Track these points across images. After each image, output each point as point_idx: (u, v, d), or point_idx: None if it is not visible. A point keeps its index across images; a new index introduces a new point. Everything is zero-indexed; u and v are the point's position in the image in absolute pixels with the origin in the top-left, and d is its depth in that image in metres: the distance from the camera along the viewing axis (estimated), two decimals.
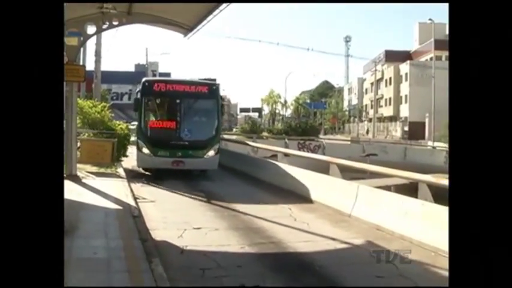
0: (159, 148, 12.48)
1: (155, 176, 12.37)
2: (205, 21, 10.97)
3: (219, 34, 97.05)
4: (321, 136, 40.15)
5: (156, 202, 9.41)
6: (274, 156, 15.78)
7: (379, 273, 5.32)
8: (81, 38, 11.16)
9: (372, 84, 63.64)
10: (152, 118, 13.14)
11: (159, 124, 12.91)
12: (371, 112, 61.30)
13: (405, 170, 9.67)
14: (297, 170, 11.29)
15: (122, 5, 10.72)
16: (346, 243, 6.72)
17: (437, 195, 7.47)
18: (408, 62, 55.10)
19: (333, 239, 6.81)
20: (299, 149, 23.37)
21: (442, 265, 5.35)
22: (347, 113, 77.38)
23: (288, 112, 76.85)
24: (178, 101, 12.74)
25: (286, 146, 22.40)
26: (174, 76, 36.16)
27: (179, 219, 7.83)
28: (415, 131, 47.19)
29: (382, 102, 60.62)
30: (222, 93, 13.77)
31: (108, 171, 12.25)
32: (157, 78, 34.13)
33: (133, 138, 15.09)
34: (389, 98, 58.27)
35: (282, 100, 71.89)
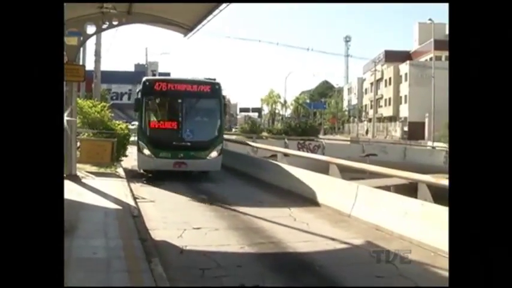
0: (161, 149, 12.18)
1: (155, 176, 12.29)
2: (205, 21, 10.96)
3: (219, 34, 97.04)
4: (320, 136, 40.17)
5: (156, 202, 9.40)
6: (273, 156, 15.80)
7: (379, 273, 5.32)
8: (81, 38, 11.14)
9: (371, 84, 63.64)
10: (153, 118, 12.87)
11: (161, 124, 12.64)
12: (371, 112, 61.30)
13: (405, 170, 9.69)
14: (296, 170, 11.29)
15: (121, 4, 10.72)
16: (345, 243, 6.72)
17: (436, 195, 7.48)
18: (408, 62, 55.10)
19: (333, 239, 6.81)
20: (299, 149, 23.37)
21: (442, 265, 5.35)
22: (347, 113, 77.40)
23: (288, 112, 76.88)
24: (179, 100, 12.44)
25: (286, 146, 22.42)
26: (173, 76, 35.68)
27: (179, 219, 7.83)
28: (415, 131, 47.18)
29: (382, 103, 60.63)
30: (222, 92, 13.60)
31: (108, 171, 12.23)
32: (158, 77, 33.03)
33: (133, 138, 15.06)
34: (389, 98, 58.29)
35: (282, 100, 71.93)
